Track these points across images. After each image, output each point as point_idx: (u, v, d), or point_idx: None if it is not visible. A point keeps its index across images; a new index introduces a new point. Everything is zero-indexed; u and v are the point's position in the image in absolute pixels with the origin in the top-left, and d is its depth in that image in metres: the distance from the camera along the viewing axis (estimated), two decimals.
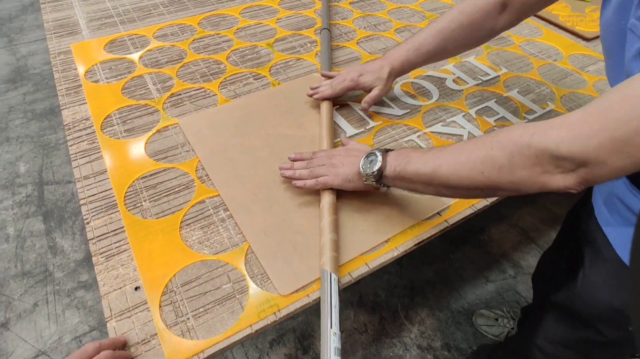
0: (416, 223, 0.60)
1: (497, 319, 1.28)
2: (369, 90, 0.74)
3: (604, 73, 0.90)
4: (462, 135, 0.74)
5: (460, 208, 0.62)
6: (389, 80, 0.73)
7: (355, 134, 0.74)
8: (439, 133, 0.75)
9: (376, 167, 0.53)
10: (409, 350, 1.27)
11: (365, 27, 1.04)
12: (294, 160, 0.64)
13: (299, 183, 0.61)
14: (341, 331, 1.40)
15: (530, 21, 1.10)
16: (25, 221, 1.60)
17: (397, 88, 0.84)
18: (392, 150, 0.55)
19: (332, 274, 0.51)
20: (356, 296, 1.38)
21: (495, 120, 0.78)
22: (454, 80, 0.87)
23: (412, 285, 1.42)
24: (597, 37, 1.03)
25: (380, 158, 0.53)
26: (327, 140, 0.67)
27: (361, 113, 0.79)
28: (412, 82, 0.87)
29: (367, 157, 0.56)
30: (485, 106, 0.81)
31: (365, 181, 0.55)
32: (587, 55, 0.97)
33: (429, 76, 0.88)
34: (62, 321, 1.33)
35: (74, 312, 1.35)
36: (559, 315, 0.73)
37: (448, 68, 0.91)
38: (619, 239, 0.56)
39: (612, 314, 0.60)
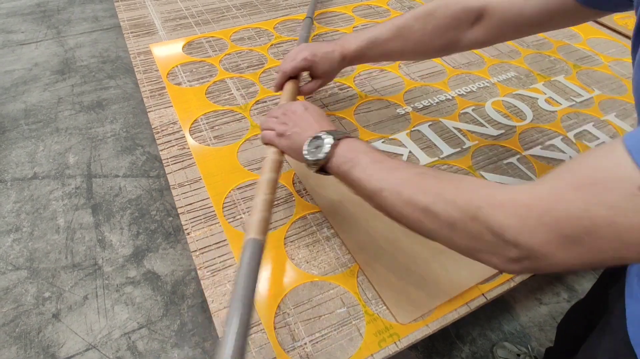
0: None
1: (518, 356, 1.22)
2: (314, 76, 0.68)
3: None
4: (563, 160, 0.71)
5: None
6: (338, 70, 0.67)
7: (452, 154, 0.71)
8: (539, 156, 0.72)
9: (319, 156, 0.47)
10: None
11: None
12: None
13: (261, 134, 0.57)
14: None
15: (617, 39, 1.05)
16: (75, 213, 1.62)
17: (489, 105, 0.81)
18: (349, 137, 0.48)
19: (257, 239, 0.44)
20: None
21: (596, 146, 0.74)
22: (546, 100, 0.83)
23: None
24: None
25: (327, 148, 0.46)
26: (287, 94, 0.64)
27: (455, 130, 0.76)
28: (502, 100, 0.83)
29: (315, 138, 0.49)
30: (584, 129, 0.77)
31: (306, 166, 0.49)
32: None
33: (519, 94, 0.85)
34: (112, 316, 1.33)
35: (122, 308, 1.35)
36: None
37: (538, 87, 0.87)
38: (636, 315, 0.49)
39: None
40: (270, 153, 0.53)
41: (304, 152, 0.49)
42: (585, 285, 1.44)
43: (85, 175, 1.77)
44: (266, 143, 0.56)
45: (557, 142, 0.74)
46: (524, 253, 0.33)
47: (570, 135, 0.76)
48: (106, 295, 1.38)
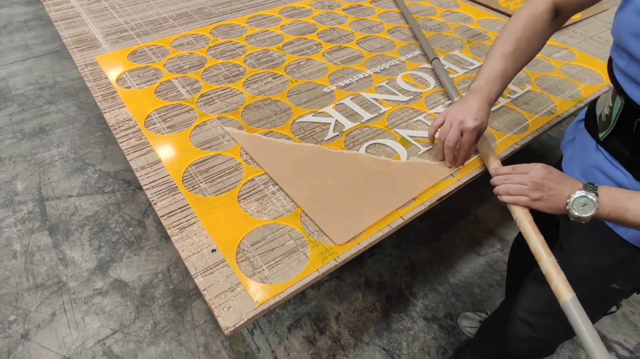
0: (435, 183, 0.72)
1: (480, 322, 1.35)
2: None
3: (568, 59, 1.07)
4: None
5: (470, 169, 0.75)
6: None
7: (370, 118, 0.86)
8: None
9: (590, 213, 0.55)
10: (416, 322, 1.38)
11: (360, 30, 1.18)
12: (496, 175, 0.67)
13: (505, 198, 0.64)
14: (352, 311, 1.50)
15: (501, 19, 1.26)
16: (31, 237, 1.62)
17: (399, 79, 0.97)
18: (599, 187, 0.57)
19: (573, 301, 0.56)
20: (362, 278, 1.49)
21: None
22: (445, 70, 1.01)
23: (412, 265, 1.54)
24: (558, 30, 1.21)
25: (595, 204, 0.55)
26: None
27: (372, 100, 0.91)
28: (410, 74, 1.00)
29: (578, 198, 0.56)
30: None
31: (571, 218, 0.58)
32: (552, 45, 1.14)
33: (424, 67, 1.02)
34: (83, 327, 1.36)
35: (93, 318, 1.39)
36: (542, 285, 0.79)
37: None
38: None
39: (594, 275, 0.68)
40: (524, 218, 0.62)
41: (572, 210, 0.57)
42: (514, 235, 1.64)
43: (37, 199, 1.77)
44: (514, 203, 0.64)
45: (455, 100, 0.91)
46: None
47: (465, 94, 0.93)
48: (75, 309, 1.41)
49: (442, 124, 0.72)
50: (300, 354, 1.30)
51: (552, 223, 0.83)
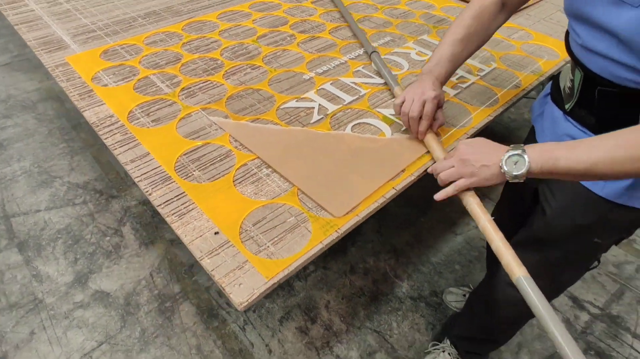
0: (421, 155, 0.76)
1: (464, 296, 1.40)
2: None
3: (525, 38, 1.15)
4: None
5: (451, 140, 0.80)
6: None
7: (352, 100, 0.89)
8: None
9: (524, 169, 0.57)
10: (403, 302, 1.43)
11: (331, 20, 1.21)
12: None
13: (448, 189, 0.66)
14: (341, 298, 1.53)
15: (462, 5, 1.33)
16: None
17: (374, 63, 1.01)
18: (526, 145, 0.59)
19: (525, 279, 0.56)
20: (347, 266, 1.52)
21: (457, 79, 0.97)
22: (416, 53, 1.06)
23: (394, 249, 1.59)
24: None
25: (526, 158, 0.57)
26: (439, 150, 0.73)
27: (352, 84, 0.94)
28: (384, 58, 1.04)
29: (509, 157, 0.58)
30: None
31: (510, 180, 0.59)
32: (510, 27, 1.22)
33: (396, 52, 1.06)
34: (66, 343, 1.31)
35: (76, 332, 1.34)
36: (527, 249, 0.83)
37: (409, 45, 1.10)
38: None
39: (576, 231, 0.72)
40: (470, 200, 0.64)
41: (506, 171, 0.58)
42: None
43: (1, 217, 1.68)
44: (461, 190, 0.65)
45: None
46: None
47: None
48: (55, 325, 1.35)
49: (403, 102, 0.76)
50: (294, 345, 1.31)
51: (529, 193, 0.88)
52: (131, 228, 1.64)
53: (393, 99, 0.90)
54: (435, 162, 0.72)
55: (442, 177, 0.66)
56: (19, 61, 2.59)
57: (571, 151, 0.55)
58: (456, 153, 0.65)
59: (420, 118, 0.74)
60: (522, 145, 0.60)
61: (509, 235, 0.92)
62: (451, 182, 0.65)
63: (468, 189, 0.65)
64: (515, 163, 0.58)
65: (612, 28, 0.57)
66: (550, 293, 0.89)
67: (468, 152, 0.63)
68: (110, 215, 1.69)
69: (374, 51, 0.99)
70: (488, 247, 1.26)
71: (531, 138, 0.83)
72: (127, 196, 1.76)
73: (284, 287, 1.46)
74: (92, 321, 1.36)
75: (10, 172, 1.87)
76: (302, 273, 1.49)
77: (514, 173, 0.58)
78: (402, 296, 1.44)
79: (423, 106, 0.73)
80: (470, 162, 0.63)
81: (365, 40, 1.05)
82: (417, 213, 1.72)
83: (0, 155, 1.95)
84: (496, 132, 2.14)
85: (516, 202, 0.99)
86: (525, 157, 0.57)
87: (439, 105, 0.75)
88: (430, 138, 0.75)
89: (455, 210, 1.75)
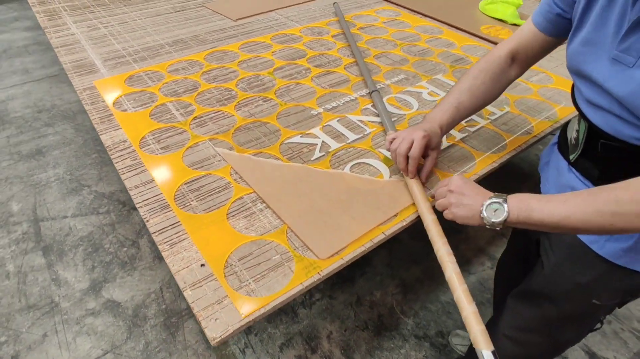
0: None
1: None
2: (429, 149, 0.77)
3: (545, 82, 1.13)
4: None
5: None
6: (441, 141, 0.79)
7: (356, 139, 0.90)
8: None
9: (502, 218, 0.58)
10: (407, 340, 1.39)
11: (348, 55, 1.23)
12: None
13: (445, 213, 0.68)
14: (344, 330, 1.52)
15: (483, 44, 1.33)
16: (25, 258, 1.63)
17: (384, 101, 1.02)
18: (509, 195, 0.60)
19: (486, 353, 0.55)
20: (354, 297, 1.51)
21: (466, 122, 0.96)
22: (428, 93, 1.06)
23: (403, 283, 1.56)
24: None
25: (505, 208, 0.58)
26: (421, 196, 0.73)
27: (358, 122, 0.95)
28: (395, 97, 1.05)
29: (490, 204, 0.60)
30: None
31: (487, 226, 0.61)
32: (530, 69, 1.20)
33: (408, 91, 1.07)
34: (74, 348, 1.36)
35: (85, 339, 1.39)
36: (525, 302, 0.82)
37: (422, 84, 1.10)
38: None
39: (575, 291, 0.71)
40: (449, 266, 0.64)
41: (485, 217, 0.60)
42: None
43: (32, 220, 1.79)
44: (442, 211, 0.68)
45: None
46: None
47: None
48: (66, 329, 1.41)
49: (394, 139, 0.77)
50: None
51: (533, 243, 0.86)
52: (148, 241, 1.69)
53: None
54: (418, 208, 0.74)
55: (437, 204, 0.70)
56: (66, 74, 2.78)
57: (545, 203, 0.56)
58: (450, 183, 0.68)
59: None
60: (505, 194, 0.61)
61: (514, 285, 0.90)
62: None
63: (438, 231, 0.67)
64: (495, 211, 0.60)
65: (609, 88, 0.56)
66: (548, 351, 0.85)
67: (460, 186, 0.66)
68: (130, 227, 1.76)
69: (375, 90, 1.00)
70: (496, 291, 1.22)
71: (536, 188, 0.81)
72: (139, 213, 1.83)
73: (288, 313, 1.46)
74: (100, 330, 1.41)
75: (45, 177, 1.99)
76: (307, 301, 1.49)
77: (492, 220, 0.60)
78: (407, 334, 1.41)
79: (411, 144, 0.73)
80: (457, 196, 0.65)
81: (369, 78, 1.06)
82: (430, 248, 1.66)
83: (39, 161, 2.08)
84: (523, 168, 2.08)
85: (521, 252, 0.96)
86: (505, 206, 0.59)
87: (430, 146, 0.75)
88: (412, 183, 0.75)
89: (470, 247, 1.70)
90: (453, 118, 0.77)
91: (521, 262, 0.98)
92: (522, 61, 0.77)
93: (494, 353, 0.55)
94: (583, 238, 0.67)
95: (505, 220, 0.59)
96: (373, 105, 1.00)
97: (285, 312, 1.46)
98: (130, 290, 1.52)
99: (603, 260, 0.65)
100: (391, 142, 0.77)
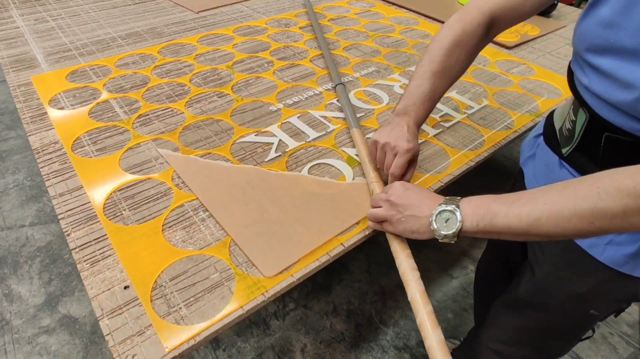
0: None
1: (454, 350, 1.29)
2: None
3: (526, 73, 1.05)
4: None
5: None
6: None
7: (317, 137, 0.81)
8: None
9: (455, 229, 0.48)
10: (386, 352, 1.30)
11: (315, 47, 1.14)
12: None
13: (370, 224, 0.60)
14: (319, 342, 1.42)
15: None
16: None
17: (351, 95, 0.93)
18: (462, 198, 0.50)
19: None
20: (330, 306, 1.41)
21: (440, 116, 0.88)
22: (400, 86, 0.97)
23: (382, 290, 1.47)
24: (517, 46, 1.19)
25: (458, 216, 0.48)
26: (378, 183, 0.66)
27: (321, 118, 0.86)
28: (364, 90, 0.96)
29: (439, 213, 0.50)
30: None
31: (440, 240, 0.50)
32: (510, 61, 1.12)
33: (379, 84, 0.98)
34: None
35: None
36: (513, 313, 0.74)
37: (394, 77, 1.01)
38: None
39: (570, 302, 0.63)
40: (404, 261, 0.56)
41: (435, 229, 0.49)
42: None
43: None
44: (380, 230, 0.59)
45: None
46: None
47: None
48: (17, 350, 1.29)
49: (375, 152, 0.65)
50: None
51: (519, 248, 0.78)
52: None
53: (367, 135, 0.81)
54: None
55: (369, 215, 0.60)
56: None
57: (510, 205, 0.46)
58: (389, 192, 0.57)
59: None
60: (459, 198, 0.50)
61: (496, 290, 0.82)
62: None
63: (400, 241, 0.57)
64: (447, 220, 0.49)
65: (632, 81, 0.46)
66: None
67: (400, 195, 0.55)
68: None
69: (340, 83, 0.91)
70: (476, 298, 1.14)
71: (519, 185, 0.73)
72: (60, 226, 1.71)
73: (260, 325, 1.36)
74: (54, 349, 1.30)
75: (3, 184, 1.86)
76: (280, 311, 1.40)
77: (443, 233, 0.49)
78: (386, 345, 1.32)
79: (394, 158, 0.62)
80: (399, 208, 0.55)
81: (334, 70, 0.97)
82: (412, 253, 1.60)
83: None
84: (506, 166, 2.01)
85: (504, 253, 0.88)
86: (458, 214, 0.48)
87: (412, 159, 0.63)
88: (376, 187, 0.65)
89: (453, 251, 1.62)
90: (429, 110, 0.66)
91: (504, 265, 0.90)
92: (501, 27, 0.65)
93: None
94: (579, 242, 0.58)
95: (459, 231, 0.48)
96: (338, 100, 0.91)
97: (256, 324, 1.36)
98: (89, 304, 1.41)
99: (603, 266, 0.56)
100: (374, 156, 0.66)
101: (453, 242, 0.50)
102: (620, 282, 0.57)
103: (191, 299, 0.54)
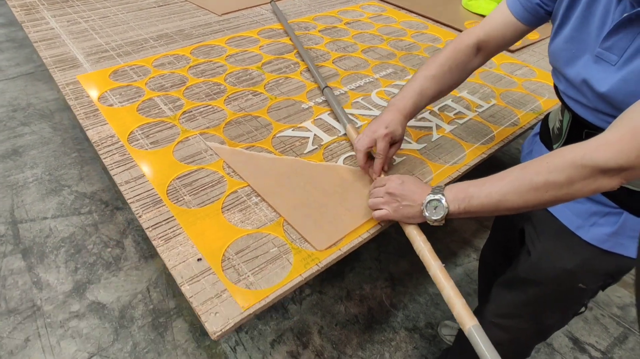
0: None
1: (460, 329, 1.40)
2: (393, 142, 0.76)
3: (528, 75, 1.15)
4: (431, 127, 0.93)
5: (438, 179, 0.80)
6: (405, 129, 0.77)
7: (331, 139, 0.90)
8: (414, 126, 0.93)
9: (442, 214, 0.59)
10: (397, 333, 1.41)
11: (336, 50, 1.24)
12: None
13: (375, 213, 0.69)
14: (335, 324, 1.52)
15: None
16: (3, 261, 1.58)
17: (374, 95, 1.03)
18: (446, 187, 0.60)
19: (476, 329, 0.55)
20: (344, 291, 1.51)
21: (454, 114, 0.98)
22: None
23: (391, 277, 1.57)
24: (519, 49, 1.30)
25: (444, 203, 0.58)
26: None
27: (332, 122, 0.94)
28: (384, 90, 1.05)
29: (429, 202, 0.60)
30: (445, 104, 1.01)
31: (431, 224, 0.62)
32: (514, 63, 1.23)
33: (397, 84, 1.08)
34: (59, 352, 1.32)
35: (69, 342, 1.35)
36: (511, 289, 0.83)
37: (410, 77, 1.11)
38: (560, 210, 0.70)
39: (559, 274, 0.72)
40: (423, 247, 0.65)
41: (426, 216, 0.61)
42: None
43: (10, 222, 1.73)
44: (382, 220, 0.68)
45: (426, 114, 0.97)
46: (624, 169, 0.47)
47: (435, 108, 0.99)
48: (50, 333, 1.37)
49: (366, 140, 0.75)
50: None
51: (516, 232, 0.88)
52: (133, 240, 1.66)
53: None
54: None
55: (369, 202, 0.70)
56: (42, 71, 2.69)
57: (481, 186, 0.56)
58: (387, 184, 0.67)
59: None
60: (443, 186, 0.61)
61: (497, 274, 0.92)
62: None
63: (416, 229, 0.67)
64: (435, 207, 0.60)
65: (592, 85, 0.58)
66: (533, 336, 0.88)
67: (397, 187, 0.65)
68: (114, 227, 1.72)
69: (326, 87, 0.99)
70: (480, 281, 1.24)
71: None
72: (132, 209, 1.79)
73: (278, 309, 1.45)
74: (85, 332, 1.37)
75: (23, 178, 1.92)
76: (297, 297, 1.49)
77: (433, 218, 0.60)
78: (397, 326, 1.42)
79: (374, 143, 0.73)
80: (396, 197, 0.65)
81: (318, 75, 1.05)
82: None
83: (15, 161, 2.01)
84: (505, 162, 2.12)
85: (504, 241, 0.98)
86: (443, 201, 0.59)
87: (393, 141, 0.74)
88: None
89: (455, 240, 1.73)
90: (416, 105, 0.76)
91: (504, 251, 1.00)
92: (489, 51, 0.77)
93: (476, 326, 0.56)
94: (569, 224, 0.69)
95: (446, 215, 0.59)
96: (369, 98, 1.01)
97: (275, 308, 1.45)
98: (115, 291, 1.49)
99: (588, 245, 0.67)
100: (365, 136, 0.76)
101: (442, 224, 0.61)
102: (603, 258, 0.67)
103: (256, 269, 0.63)
